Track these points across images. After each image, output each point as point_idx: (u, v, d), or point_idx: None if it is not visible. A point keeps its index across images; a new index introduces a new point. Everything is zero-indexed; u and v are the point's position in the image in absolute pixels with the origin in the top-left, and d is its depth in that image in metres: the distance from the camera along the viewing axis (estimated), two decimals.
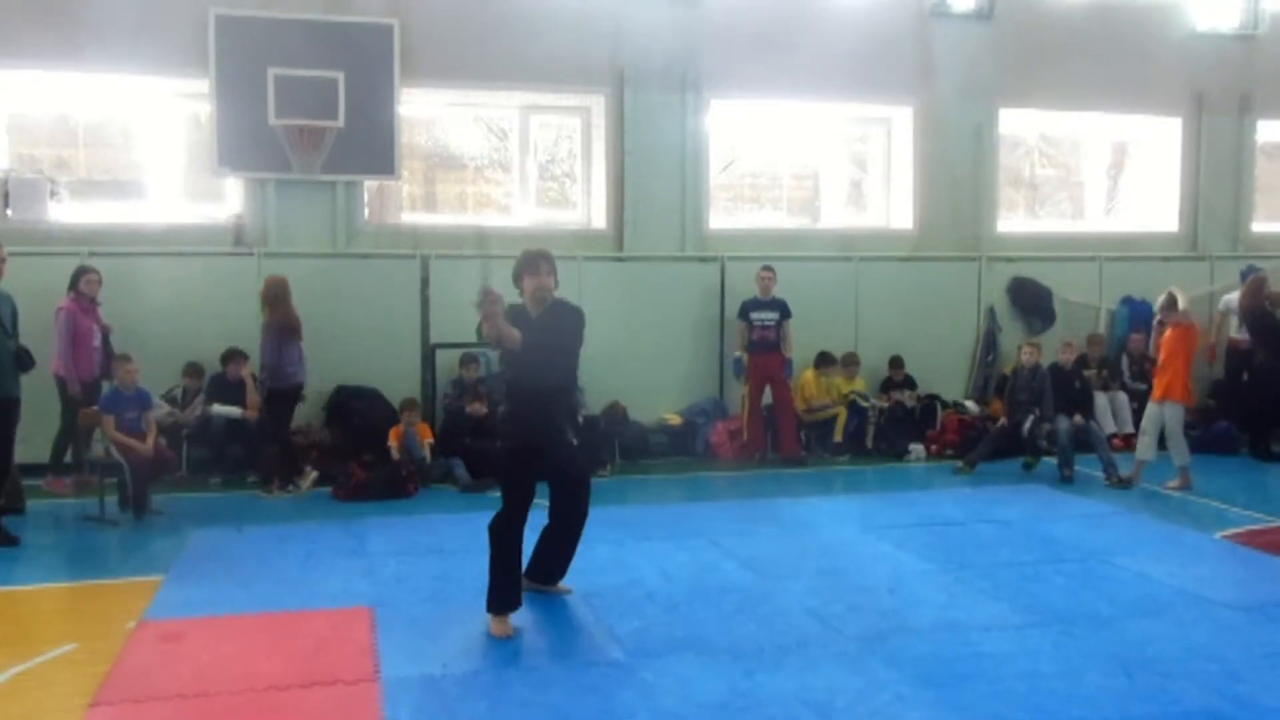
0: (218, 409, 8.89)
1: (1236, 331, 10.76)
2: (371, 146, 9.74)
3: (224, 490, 8.68)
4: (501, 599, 5.17)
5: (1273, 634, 5.24)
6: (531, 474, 5.27)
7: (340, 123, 9.47)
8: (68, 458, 8.52)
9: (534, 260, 5.22)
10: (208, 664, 4.77)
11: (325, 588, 5.91)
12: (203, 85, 9.43)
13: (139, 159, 10.14)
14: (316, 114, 9.42)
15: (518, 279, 5.26)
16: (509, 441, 5.36)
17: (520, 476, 5.25)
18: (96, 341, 8.40)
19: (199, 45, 9.34)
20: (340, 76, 9.47)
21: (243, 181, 9.78)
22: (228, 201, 10.01)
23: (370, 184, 10.21)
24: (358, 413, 9.32)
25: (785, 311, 10.00)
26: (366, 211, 10.22)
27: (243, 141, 9.43)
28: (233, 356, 9.06)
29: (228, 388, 9.01)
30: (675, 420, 10.26)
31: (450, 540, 6.99)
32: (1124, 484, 8.75)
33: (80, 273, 8.44)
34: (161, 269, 9.32)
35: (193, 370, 9.11)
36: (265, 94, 9.28)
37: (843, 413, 10.23)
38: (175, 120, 10.07)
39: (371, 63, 9.68)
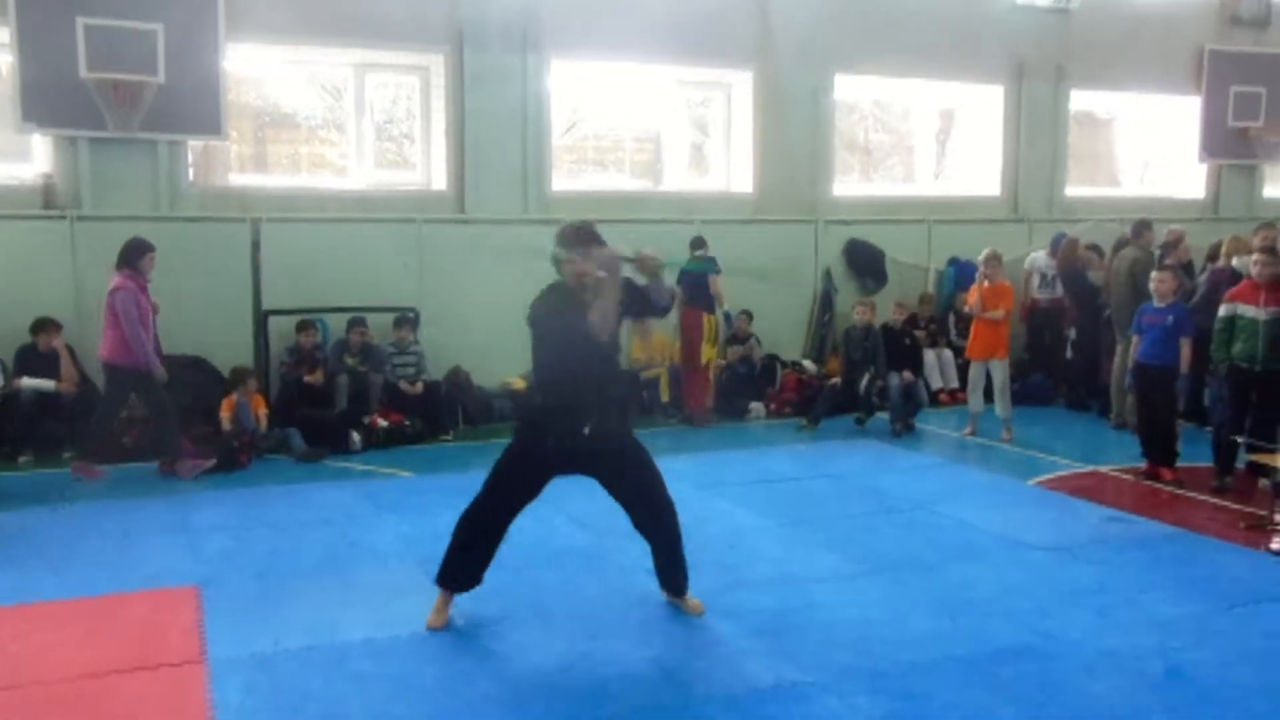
0: (27, 382, 8.34)
1: (1038, 291, 11.38)
2: (195, 104, 9.21)
3: (35, 469, 8.14)
4: (449, 572, 4.77)
5: (1078, 572, 5.62)
6: (533, 482, 4.75)
7: (160, 78, 8.91)
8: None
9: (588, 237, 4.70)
10: (17, 655, 4.49)
11: (146, 568, 5.63)
12: (2, 33, 8.73)
13: None
14: (133, 68, 8.83)
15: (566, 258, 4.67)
16: (521, 439, 4.80)
17: (516, 477, 4.73)
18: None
19: None
20: (159, 28, 8.88)
21: (51, 139, 9.13)
22: (35, 160, 9.33)
23: (195, 144, 9.69)
24: (184, 383, 8.87)
25: None
26: (191, 173, 9.70)
27: (50, 95, 8.76)
28: (44, 326, 8.52)
29: (39, 359, 8.47)
30: (519, 385, 10.19)
31: (284, 513, 6.78)
32: (910, 430, 9.48)
33: (140, 250, 7.79)
34: None
35: None
36: (74, 44, 8.64)
37: (664, 372, 10.37)
38: None
39: (193, 15, 9.12)
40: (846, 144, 12.66)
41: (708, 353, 9.97)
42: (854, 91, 12.28)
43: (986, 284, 9.15)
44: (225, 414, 8.50)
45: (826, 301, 11.59)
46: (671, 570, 5.02)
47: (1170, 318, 7.55)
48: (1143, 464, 7.80)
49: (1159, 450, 7.67)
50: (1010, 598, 5.22)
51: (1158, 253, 9.47)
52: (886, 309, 10.36)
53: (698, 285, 9.92)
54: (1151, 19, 12.95)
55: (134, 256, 7.84)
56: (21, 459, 8.26)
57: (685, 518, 6.02)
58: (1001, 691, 4.18)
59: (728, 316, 10.31)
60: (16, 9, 8.64)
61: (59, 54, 8.67)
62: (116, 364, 7.76)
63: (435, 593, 4.88)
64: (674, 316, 10.13)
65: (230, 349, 9.25)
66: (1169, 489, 7.40)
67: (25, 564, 5.71)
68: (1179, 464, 7.65)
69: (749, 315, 10.90)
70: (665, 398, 10.33)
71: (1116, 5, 12.76)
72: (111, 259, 9.00)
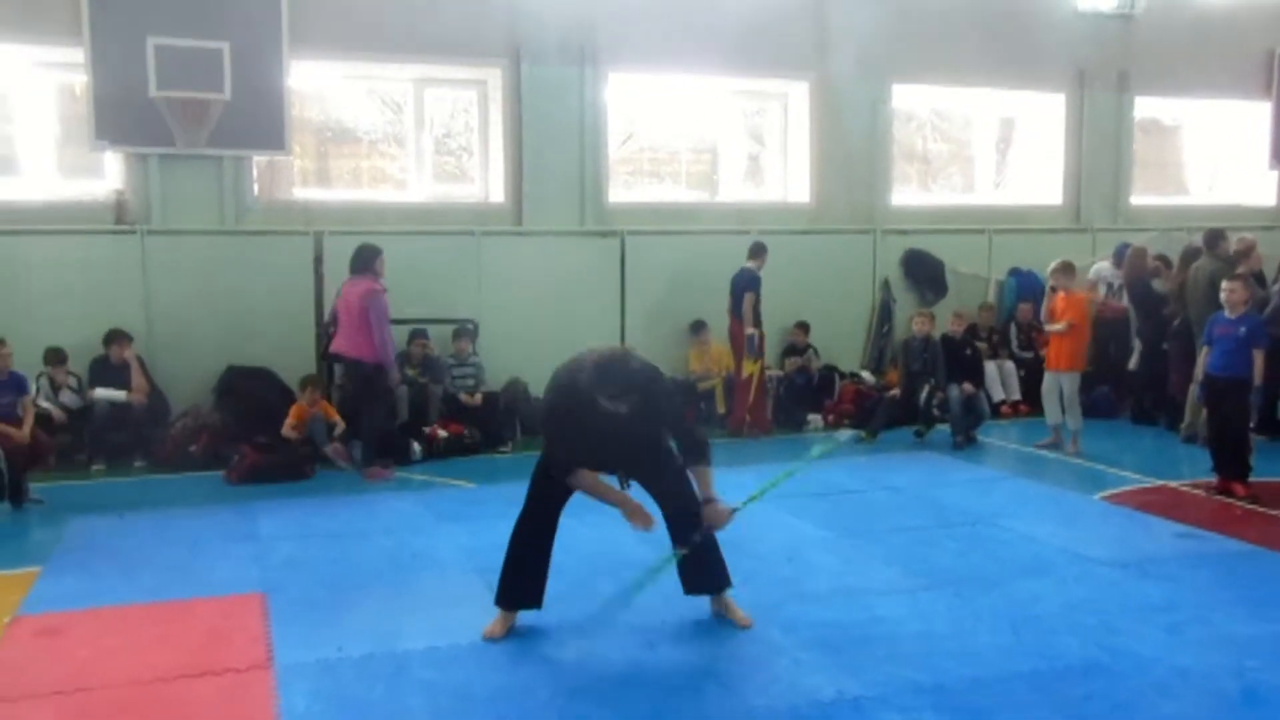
0: (100, 393, 8.56)
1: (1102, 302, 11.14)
2: (260, 120, 9.41)
3: (108, 477, 8.34)
4: (500, 591, 4.87)
5: (1146, 588, 5.48)
6: (561, 488, 4.83)
7: (226, 95, 9.13)
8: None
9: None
10: (89, 659, 4.59)
11: (214, 575, 5.75)
12: (77, 54, 9.00)
13: (9, 132, 9.62)
14: (200, 86, 9.06)
15: None
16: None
17: (547, 483, 4.85)
18: None
19: (71, 11, 8.89)
20: (225, 47, 9.11)
21: (123, 156, 9.38)
22: (108, 177, 9.60)
23: (259, 159, 9.90)
24: (250, 393, 9.07)
25: None
26: (256, 187, 9.91)
27: (122, 114, 9.02)
28: (116, 338, 8.75)
29: (111, 370, 8.69)
30: None
31: (347, 522, 6.88)
32: (971, 443, 9.30)
33: (376, 253, 8.25)
34: (37, 248, 8.93)
35: (55, 356, 8.50)
36: (145, 64, 8.88)
37: (719, 383, 10.33)
38: (48, 91, 9.60)
39: (258, 33, 9.34)
40: (904, 153, 12.55)
41: (748, 366, 9.89)
42: (912, 100, 12.18)
43: (1060, 295, 9.02)
44: (292, 421, 8.60)
45: (885, 312, 11.49)
46: (695, 570, 4.93)
47: (1242, 328, 7.36)
48: (1213, 478, 7.60)
49: (1230, 464, 7.47)
50: (1077, 614, 5.10)
51: None
52: (945, 319, 10.24)
53: (740, 299, 9.88)
54: (1218, 23, 12.67)
55: (371, 260, 8.19)
56: (94, 468, 8.48)
57: (743, 529, 5.99)
58: (1070, 709, 4.08)
59: (751, 340, 10.01)
60: (90, 31, 8.91)
61: (130, 74, 8.92)
62: (363, 361, 8.10)
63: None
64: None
65: (294, 360, 9.40)
66: (1242, 504, 7.19)
67: (97, 570, 5.85)
68: (1252, 479, 7.44)
69: (805, 327, 10.83)
70: (721, 409, 10.29)
71: (1182, 10, 12.52)
72: (180, 271, 9.34)
